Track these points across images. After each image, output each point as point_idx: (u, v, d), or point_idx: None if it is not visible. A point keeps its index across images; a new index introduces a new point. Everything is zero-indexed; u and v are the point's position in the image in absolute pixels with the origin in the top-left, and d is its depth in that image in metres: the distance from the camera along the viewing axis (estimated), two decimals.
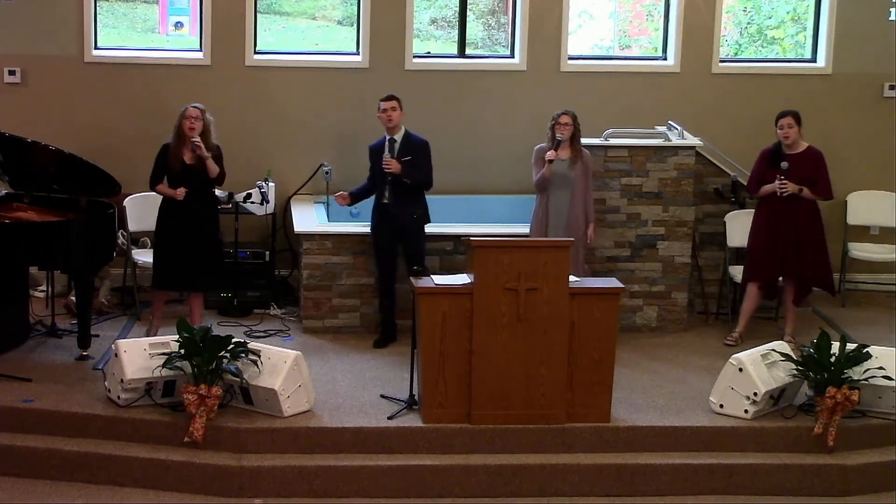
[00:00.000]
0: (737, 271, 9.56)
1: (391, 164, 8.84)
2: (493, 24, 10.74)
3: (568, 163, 8.90)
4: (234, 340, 7.61)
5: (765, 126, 9.45)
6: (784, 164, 8.96)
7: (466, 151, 10.27)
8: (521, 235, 9.04)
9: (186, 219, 8.56)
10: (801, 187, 8.96)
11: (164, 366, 7.53)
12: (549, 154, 8.80)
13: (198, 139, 8.41)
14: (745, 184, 9.40)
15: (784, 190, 8.95)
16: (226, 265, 9.05)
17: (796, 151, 9.05)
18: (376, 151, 9.02)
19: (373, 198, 9.10)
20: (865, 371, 7.73)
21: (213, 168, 8.51)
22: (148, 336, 8.49)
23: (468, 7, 10.47)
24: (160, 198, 8.68)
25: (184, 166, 8.52)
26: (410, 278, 7.87)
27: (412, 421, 7.67)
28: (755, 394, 7.74)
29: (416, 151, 8.94)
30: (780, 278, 9.19)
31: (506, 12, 10.63)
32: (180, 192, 8.50)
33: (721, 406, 7.87)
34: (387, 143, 8.96)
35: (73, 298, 9.24)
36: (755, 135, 9.76)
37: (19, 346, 8.66)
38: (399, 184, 8.89)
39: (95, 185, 8.62)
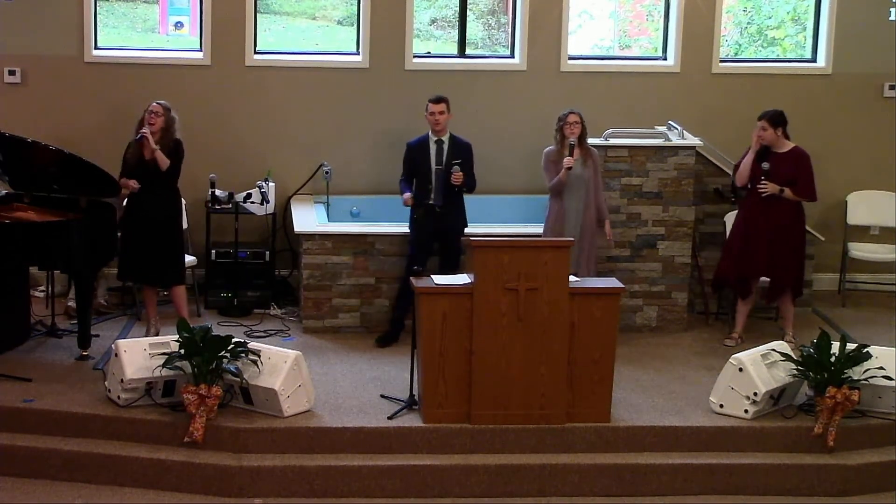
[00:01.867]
0: None
1: (459, 178, 8.82)
2: (493, 24, 10.73)
3: (580, 162, 8.88)
4: (234, 340, 7.61)
5: None
6: (765, 165, 8.96)
7: None
8: (521, 235, 9.04)
9: (142, 213, 8.64)
10: (781, 188, 8.96)
11: (164, 366, 7.53)
12: (567, 161, 8.76)
13: (146, 130, 8.48)
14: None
15: (764, 190, 8.96)
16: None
17: (781, 151, 9.05)
18: (418, 150, 8.99)
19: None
20: (865, 371, 7.73)
21: (164, 161, 8.54)
22: (147, 336, 8.49)
23: (468, 7, 10.46)
24: None
25: (140, 161, 8.59)
26: (410, 278, 7.87)
27: (412, 421, 7.67)
28: (755, 394, 7.74)
29: (463, 154, 8.95)
30: (762, 279, 9.19)
31: (506, 12, 10.63)
32: (131, 184, 8.58)
33: (721, 406, 7.87)
34: (433, 144, 8.95)
35: (72, 304, 9.25)
36: None
37: (19, 345, 8.65)
38: (450, 186, 8.88)
39: (96, 185, 8.62)
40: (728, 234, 9.40)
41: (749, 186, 9.04)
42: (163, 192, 8.67)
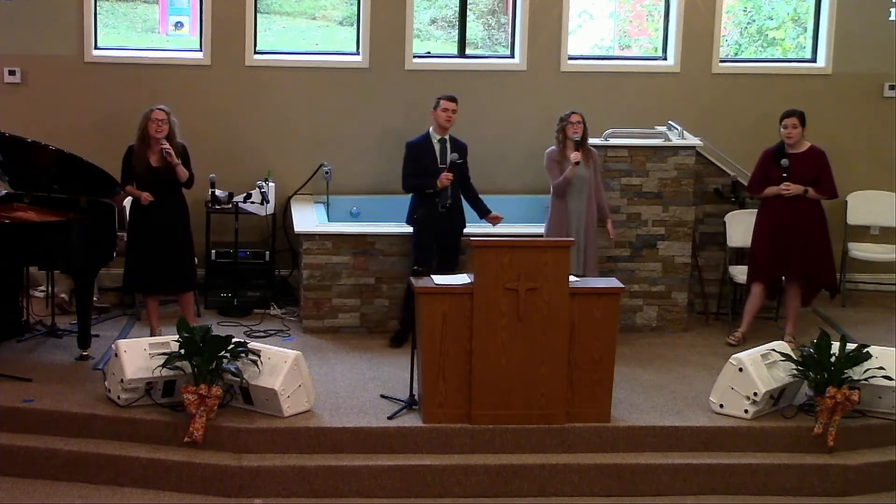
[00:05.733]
0: (737, 271, 9.56)
1: (449, 178, 8.78)
2: (493, 24, 10.74)
3: (582, 163, 8.87)
4: (234, 340, 7.62)
5: (765, 126, 9.47)
6: (784, 161, 8.95)
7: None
8: (521, 235, 9.04)
9: (155, 221, 8.55)
10: (805, 188, 8.96)
11: (164, 366, 7.53)
12: (574, 156, 8.74)
13: (167, 145, 8.41)
14: (746, 184, 9.40)
15: (788, 191, 8.95)
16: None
17: (799, 151, 9.05)
18: (421, 148, 8.96)
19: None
20: (865, 371, 7.74)
21: (183, 172, 8.51)
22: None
23: (468, 7, 10.47)
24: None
25: (149, 169, 8.52)
26: (410, 278, 7.87)
27: (412, 421, 7.67)
28: (755, 394, 7.74)
29: (465, 155, 9.01)
30: (784, 278, 9.17)
31: (506, 12, 10.63)
32: (145, 197, 8.48)
33: (721, 406, 7.87)
34: (437, 143, 8.95)
35: (64, 297, 9.26)
36: (755, 135, 9.77)
37: (13, 339, 8.68)
38: (456, 188, 8.89)
39: (95, 185, 8.61)
40: (752, 238, 9.28)
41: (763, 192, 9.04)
42: (174, 199, 8.62)
